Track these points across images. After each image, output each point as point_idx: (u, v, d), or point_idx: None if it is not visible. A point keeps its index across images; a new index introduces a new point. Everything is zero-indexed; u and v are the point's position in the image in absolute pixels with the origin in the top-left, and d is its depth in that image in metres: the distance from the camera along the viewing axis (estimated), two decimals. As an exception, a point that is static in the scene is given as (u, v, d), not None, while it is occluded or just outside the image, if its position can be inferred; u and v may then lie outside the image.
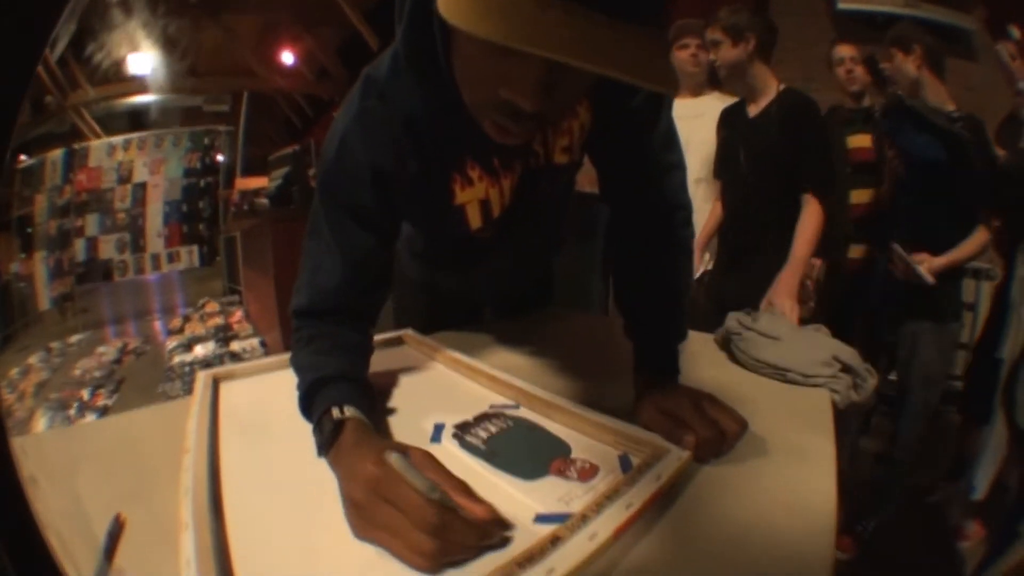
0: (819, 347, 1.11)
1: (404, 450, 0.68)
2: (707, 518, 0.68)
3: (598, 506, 0.64)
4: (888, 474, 2.58)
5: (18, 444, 0.43)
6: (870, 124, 2.54)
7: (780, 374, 1.08)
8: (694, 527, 0.66)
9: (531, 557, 0.56)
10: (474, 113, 0.74)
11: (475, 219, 1.01)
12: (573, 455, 0.81)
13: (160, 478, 0.74)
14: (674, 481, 0.72)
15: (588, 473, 0.76)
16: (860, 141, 2.55)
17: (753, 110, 2.30)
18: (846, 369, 1.08)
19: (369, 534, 0.63)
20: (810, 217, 2.17)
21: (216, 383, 1.08)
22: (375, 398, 0.97)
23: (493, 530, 0.61)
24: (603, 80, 0.58)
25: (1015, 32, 2.40)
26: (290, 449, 0.82)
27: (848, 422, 2.41)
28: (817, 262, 2.44)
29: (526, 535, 0.63)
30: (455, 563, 0.59)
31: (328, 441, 0.78)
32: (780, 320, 1.26)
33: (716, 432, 0.80)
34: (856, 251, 2.62)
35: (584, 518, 0.62)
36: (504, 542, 0.62)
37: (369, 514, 0.63)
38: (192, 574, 0.53)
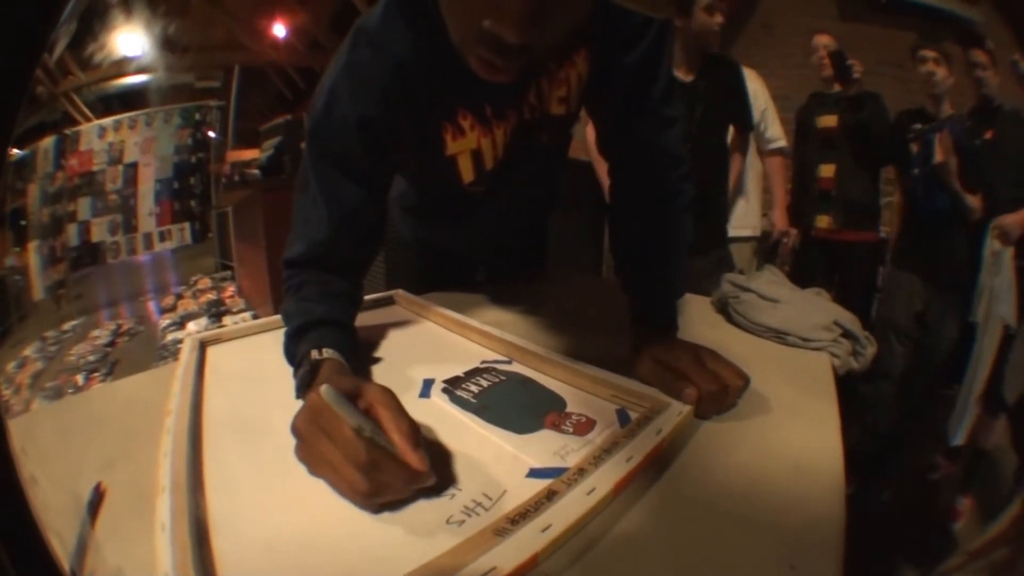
0: (820, 311, 1.08)
1: (360, 387, 0.66)
2: (711, 475, 0.64)
3: (596, 460, 0.61)
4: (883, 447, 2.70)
5: (16, 438, 0.41)
6: (839, 106, 2.77)
7: (780, 337, 1.05)
8: (697, 484, 0.63)
9: (525, 513, 0.52)
10: (460, 50, 0.71)
11: (467, 171, 0.99)
12: (568, 409, 0.78)
13: (143, 443, 0.70)
14: (675, 435, 0.69)
15: (584, 427, 0.73)
16: (827, 121, 2.81)
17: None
18: (846, 335, 1.05)
19: (313, 468, 0.62)
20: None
21: (203, 346, 1.04)
22: (358, 344, 0.95)
23: (424, 475, 0.57)
24: (596, 21, 0.55)
25: (988, 43, 2.55)
26: (277, 409, 0.76)
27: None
28: (793, 231, 2.86)
29: (519, 490, 0.59)
30: (389, 504, 0.58)
31: (304, 383, 0.77)
32: (779, 281, 1.23)
33: (718, 386, 0.76)
34: (823, 220, 2.87)
35: (581, 472, 0.58)
36: (439, 489, 0.60)
37: (309, 445, 0.62)
38: (166, 539, 0.50)
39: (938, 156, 2.48)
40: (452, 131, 0.93)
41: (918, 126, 2.61)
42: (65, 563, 0.45)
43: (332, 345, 0.81)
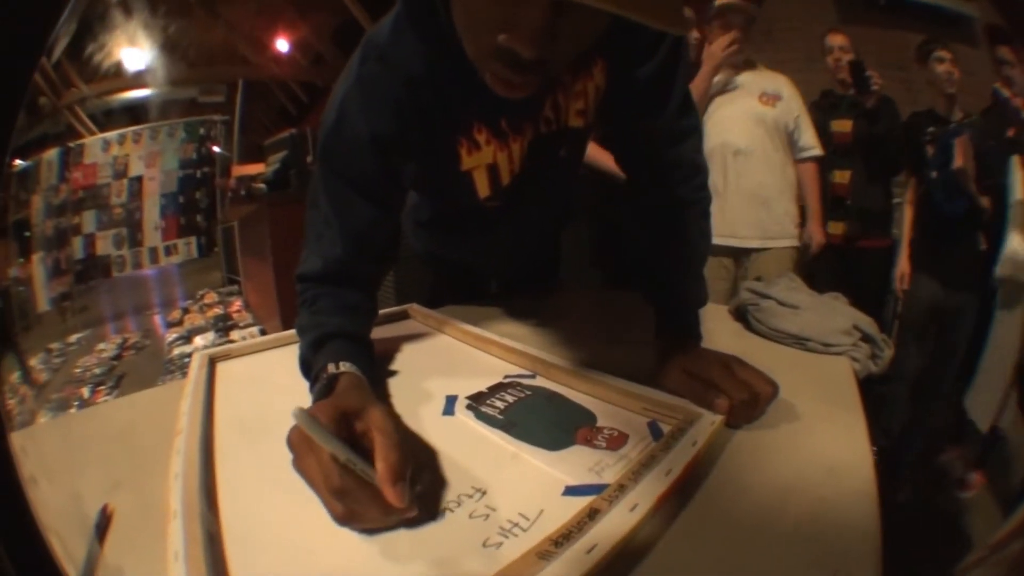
0: (839, 316, 1.07)
1: (363, 408, 0.64)
2: (747, 485, 0.63)
3: (635, 474, 0.58)
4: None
5: (16, 440, 0.41)
6: (853, 111, 2.73)
7: (800, 343, 1.04)
8: (734, 495, 0.61)
9: (568, 534, 0.50)
10: (476, 66, 0.69)
11: (483, 187, 0.97)
12: (599, 423, 0.76)
13: (152, 463, 0.68)
14: (709, 446, 0.67)
15: (617, 441, 0.70)
16: (842, 126, 2.75)
17: None
18: (865, 338, 1.04)
19: (306, 481, 0.60)
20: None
21: (212, 363, 1.02)
22: (375, 357, 0.93)
23: (402, 511, 0.55)
24: (612, 32, 0.58)
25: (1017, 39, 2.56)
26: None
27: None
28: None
29: (557, 509, 0.57)
30: (368, 530, 0.56)
31: (321, 397, 0.74)
32: (797, 287, 1.22)
33: (749, 394, 0.74)
34: (837, 228, 2.80)
35: (622, 488, 0.56)
36: (422, 520, 0.58)
37: (298, 460, 0.61)
38: (180, 569, 0.47)
39: (957, 161, 2.47)
40: (468, 146, 0.92)
41: (932, 129, 2.61)
42: (65, 564, 0.44)
43: (349, 358, 0.79)
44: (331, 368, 0.77)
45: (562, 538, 0.49)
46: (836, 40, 2.82)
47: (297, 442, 0.61)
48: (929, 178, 2.62)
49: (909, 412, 2.68)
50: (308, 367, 0.84)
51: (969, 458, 2.49)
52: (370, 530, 0.56)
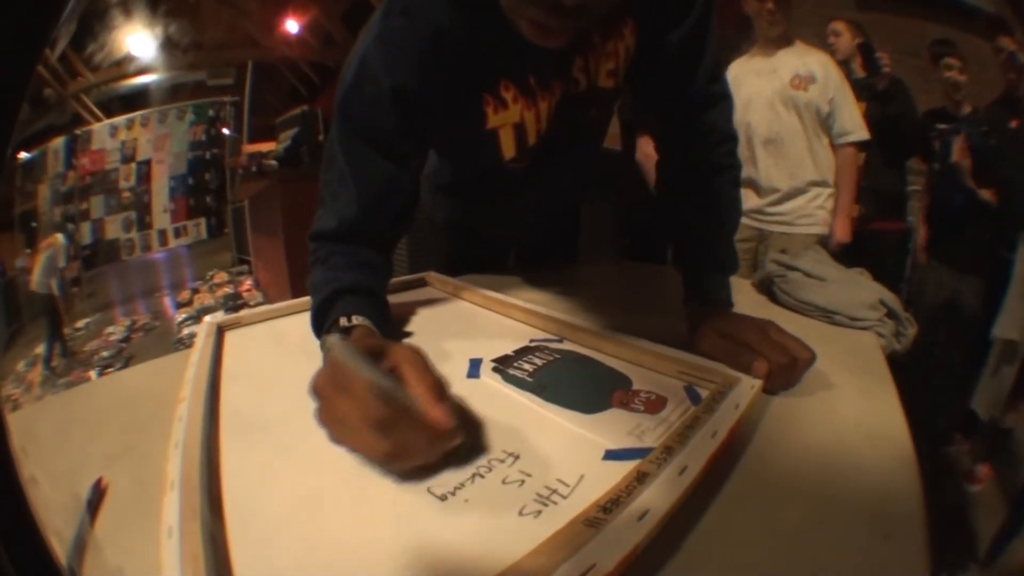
0: (865, 290, 1.05)
1: (385, 347, 0.61)
2: (790, 451, 0.61)
3: (682, 437, 0.53)
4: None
5: (15, 422, 0.39)
6: (865, 94, 2.66)
7: (827, 316, 1.02)
8: (778, 461, 0.58)
9: (617, 499, 0.45)
10: (510, 12, 0.66)
11: (508, 147, 0.94)
12: (635, 387, 0.71)
13: (152, 435, 0.63)
14: (750, 411, 0.63)
15: (656, 405, 0.66)
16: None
17: None
18: (890, 315, 1.02)
19: (333, 433, 0.56)
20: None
21: (221, 331, 0.98)
22: (391, 318, 0.91)
23: (449, 433, 0.51)
24: None
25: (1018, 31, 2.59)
26: (302, 397, 0.69)
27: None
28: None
29: (598, 474, 0.53)
30: (416, 472, 0.53)
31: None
32: (824, 260, 1.20)
33: (788, 358, 0.71)
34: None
35: (669, 450, 0.51)
36: (468, 455, 0.57)
37: (327, 406, 0.57)
38: (174, 547, 0.42)
39: (955, 156, 2.61)
40: (494, 103, 0.89)
41: (940, 126, 2.69)
42: (65, 564, 0.42)
43: (362, 312, 0.77)
44: (343, 322, 0.74)
45: (611, 504, 0.44)
46: (836, 27, 2.84)
47: (324, 385, 0.58)
48: (936, 171, 2.74)
49: (922, 400, 2.68)
50: (320, 323, 0.81)
51: (977, 450, 2.53)
52: (420, 472, 0.53)
